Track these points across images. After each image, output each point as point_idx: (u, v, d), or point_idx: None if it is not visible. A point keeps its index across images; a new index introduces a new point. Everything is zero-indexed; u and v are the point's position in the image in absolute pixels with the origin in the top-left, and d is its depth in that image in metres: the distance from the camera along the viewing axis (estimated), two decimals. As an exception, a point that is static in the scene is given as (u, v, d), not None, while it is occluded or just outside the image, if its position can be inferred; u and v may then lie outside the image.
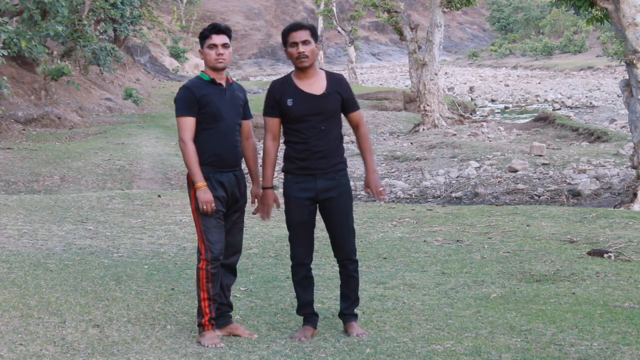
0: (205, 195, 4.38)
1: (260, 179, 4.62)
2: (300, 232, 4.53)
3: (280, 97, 4.48)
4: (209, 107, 4.44)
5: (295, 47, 4.43)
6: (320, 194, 4.47)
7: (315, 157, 4.45)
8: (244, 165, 4.68)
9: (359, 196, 13.70)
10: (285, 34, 4.49)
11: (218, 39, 4.49)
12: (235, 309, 5.03)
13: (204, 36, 4.52)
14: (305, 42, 4.43)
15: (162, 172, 14.39)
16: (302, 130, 4.45)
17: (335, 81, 4.55)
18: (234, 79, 4.72)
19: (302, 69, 4.47)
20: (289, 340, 4.52)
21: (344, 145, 4.75)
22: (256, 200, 4.67)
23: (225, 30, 4.53)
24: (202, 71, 4.60)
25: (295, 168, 4.49)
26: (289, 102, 4.45)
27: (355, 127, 4.61)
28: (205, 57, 4.51)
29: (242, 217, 4.66)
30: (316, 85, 4.49)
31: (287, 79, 4.56)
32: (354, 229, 4.62)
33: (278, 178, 11.55)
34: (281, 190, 4.74)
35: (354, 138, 24.04)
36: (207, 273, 4.42)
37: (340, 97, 4.51)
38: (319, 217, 4.61)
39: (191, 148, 4.40)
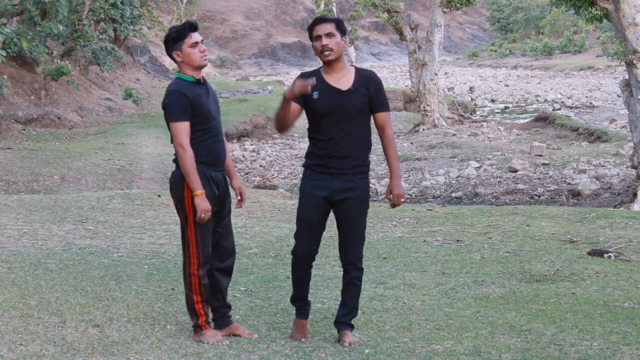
0: (204, 203, 4.30)
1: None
2: (306, 230, 4.42)
3: None
4: (201, 109, 4.33)
5: (319, 41, 4.31)
6: (335, 194, 4.37)
7: (335, 157, 4.33)
8: None
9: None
10: (310, 28, 4.38)
11: (198, 36, 4.36)
12: (235, 309, 5.03)
13: (182, 36, 4.33)
14: (329, 35, 4.30)
15: (162, 172, 14.38)
16: (324, 127, 4.34)
17: (364, 77, 4.38)
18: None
19: (328, 63, 4.35)
20: (289, 340, 4.52)
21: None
22: (240, 194, 4.64)
23: (198, 27, 4.42)
24: (180, 72, 4.42)
25: (314, 165, 4.40)
26: (315, 94, 4.33)
27: (380, 130, 4.42)
28: (188, 57, 4.33)
29: (230, 219, 4.64)
30: (344, 80, 4.36)
31: (316, 72, 4.45)
32: (364, 236, 4.51)
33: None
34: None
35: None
36: (199, 279, 4.40)
37: (368, 95, 4.35)
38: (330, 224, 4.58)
39: (190, 154, 4.28)
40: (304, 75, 4.44)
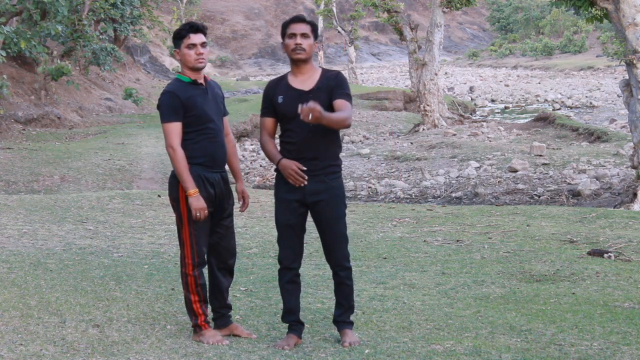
0: (199, 202, 4.30)
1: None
2: (287, 234, 4.41)
3: (273, 95, 4.39)
4: (195, 110, 4.34)
5: (293, 39, 4.31)
6: (309, 196, 4.34)
7: (306, 158, 4.31)
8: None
9: (358, 196, 13.70)
10: (285, 25, 4.37)
11: (197, 38, 4.36)
12: (235, 309, 5.03)
13: (181, 36, 4.37)
14: (304, 35, 4.31)
15: (162, 172, 14.38)
16: (292, 129, 4.32)
17: (328, 77, 4.36)
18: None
19: (297, 64, 4.35)
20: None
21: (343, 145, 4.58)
22: (243, 197, 4.64)
23: (202, 29, 4.42)
24: (179, 72, 4.46)
25: None
26: (280, 99, 4.35)
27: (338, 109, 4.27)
28: (184, 57, 4.37)
29: (232, 221, 4.63)
30: (308, 82, 4.36)
31: (282, 77, 4.48)
32: (346, 236, 4.47)
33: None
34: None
35: (354, 138, 23.41)
36: (195, 279, 4.41)
37: (330, 91, 4.31)
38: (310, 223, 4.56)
39: (181, 154, 4.30)
40: (271, 82, 4.48)
